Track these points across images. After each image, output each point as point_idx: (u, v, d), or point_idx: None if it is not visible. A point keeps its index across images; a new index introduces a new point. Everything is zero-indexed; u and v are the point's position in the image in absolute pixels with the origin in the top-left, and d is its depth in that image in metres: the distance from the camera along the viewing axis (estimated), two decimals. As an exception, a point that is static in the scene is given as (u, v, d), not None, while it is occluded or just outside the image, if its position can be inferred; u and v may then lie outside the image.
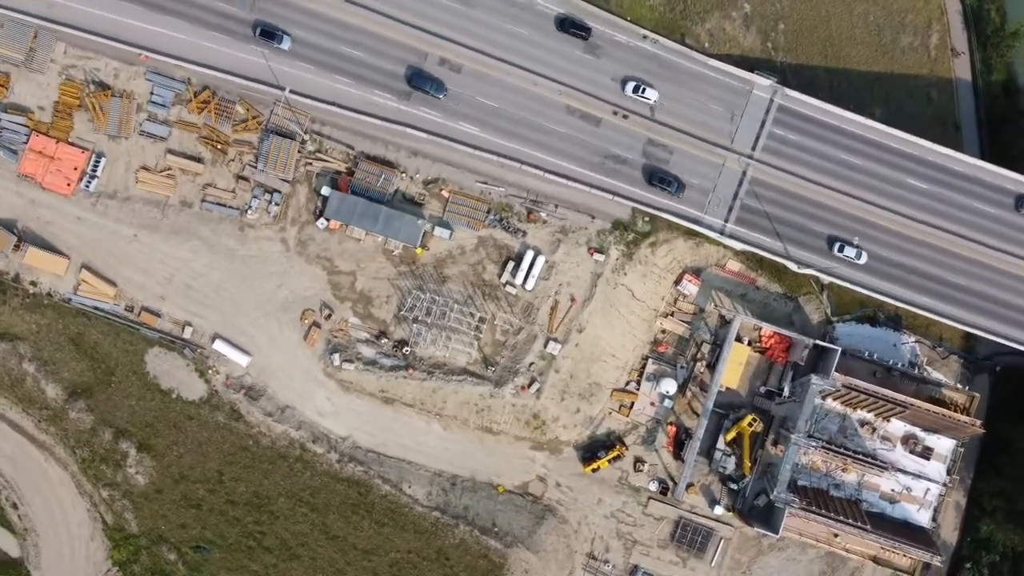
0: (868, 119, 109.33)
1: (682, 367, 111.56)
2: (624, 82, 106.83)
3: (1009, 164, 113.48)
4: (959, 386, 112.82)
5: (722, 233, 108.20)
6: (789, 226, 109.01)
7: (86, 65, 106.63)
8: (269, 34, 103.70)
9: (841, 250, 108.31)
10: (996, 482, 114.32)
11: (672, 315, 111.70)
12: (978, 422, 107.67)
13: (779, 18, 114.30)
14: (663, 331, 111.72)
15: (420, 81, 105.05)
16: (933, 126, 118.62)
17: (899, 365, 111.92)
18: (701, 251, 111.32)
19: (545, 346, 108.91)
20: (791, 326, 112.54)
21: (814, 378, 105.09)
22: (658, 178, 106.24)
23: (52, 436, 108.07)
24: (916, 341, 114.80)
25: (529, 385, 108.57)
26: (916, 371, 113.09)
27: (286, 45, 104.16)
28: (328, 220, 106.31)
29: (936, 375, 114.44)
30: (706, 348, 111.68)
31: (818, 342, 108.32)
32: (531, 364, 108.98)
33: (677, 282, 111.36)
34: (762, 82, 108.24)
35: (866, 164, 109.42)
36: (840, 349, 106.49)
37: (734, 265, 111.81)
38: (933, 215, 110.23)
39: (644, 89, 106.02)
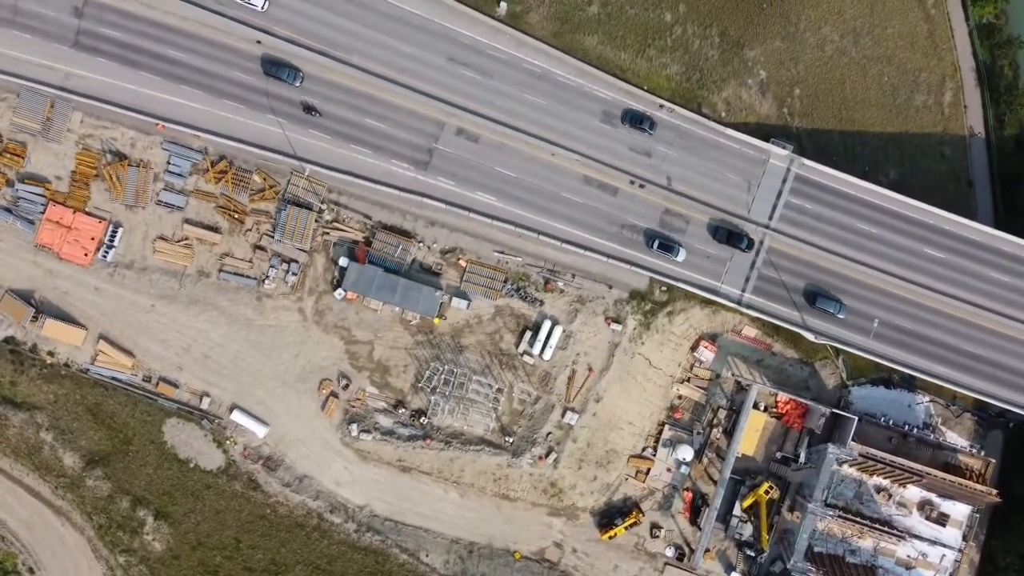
0: (885, 189, 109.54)
1: (698, 433, 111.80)
2: None
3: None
4: (974, 451, 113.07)
5: (739, 303, 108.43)
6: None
7: (103, 134, 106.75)
8: (308, 109, 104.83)
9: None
10: (1010, 539, 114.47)
11: (688, 381, 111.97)
12: (994, 492, 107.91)
13: (795, 83, 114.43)
14: (679, 397, 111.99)
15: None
16: (946, 183, 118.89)
17: (914, 431, 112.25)
18: (718, 318, 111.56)
19: (563, 416, 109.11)
20: (807, 391, 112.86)
21: (831, 447, 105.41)
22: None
23: (69, 502, 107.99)
24: (930, 400, 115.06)
25: (547, 455, 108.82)
26: (931, 432, 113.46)
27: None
28: (345, 291, 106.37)
29: (951, 435, 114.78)
30: (722, 414, 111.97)
31: (835, 411, 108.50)
32: (548, 434, 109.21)
33: (693, 348, 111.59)
34: (779, 152, 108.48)
35: (882, 233, 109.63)
36: (857, 418, 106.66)
37: (750, 331, 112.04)
38: (949, 284, 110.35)
39: None
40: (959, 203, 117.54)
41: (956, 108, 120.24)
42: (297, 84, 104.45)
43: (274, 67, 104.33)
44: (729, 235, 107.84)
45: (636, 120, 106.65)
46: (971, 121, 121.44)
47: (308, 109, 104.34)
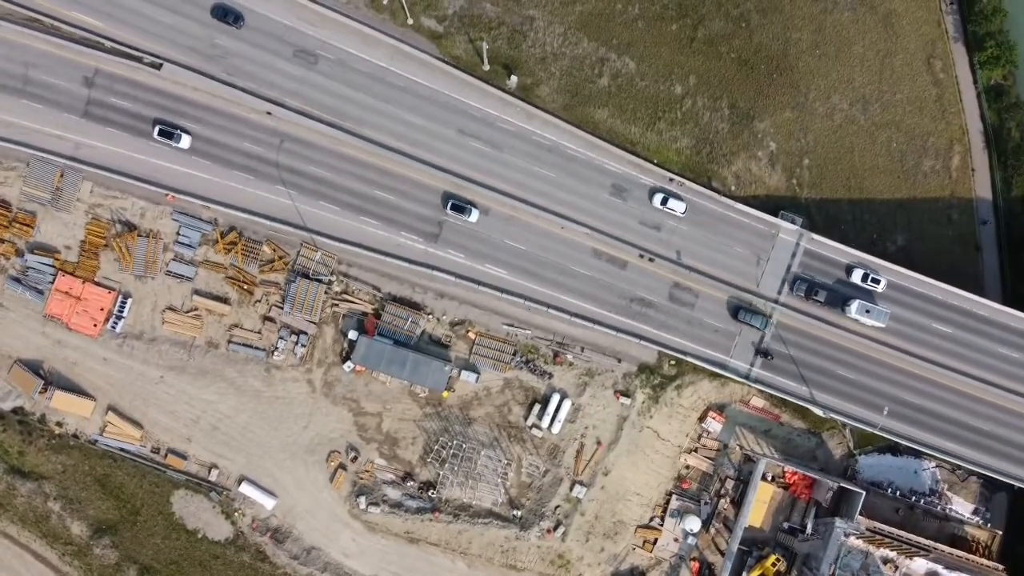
0: (894, 264, 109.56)
1: (706, 503, 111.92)
2: None
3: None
4: (979, 519, 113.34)
5: (748, 378, 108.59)
6: (815, 371, 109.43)
7: (112, 204, 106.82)
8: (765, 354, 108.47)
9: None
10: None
11: (696, 451, 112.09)
12: (1001, 567, 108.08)
13: (804, 154, 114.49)
14: (687, 467, 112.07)
15: None
16: (954, 248, 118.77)
17: (921, 501, 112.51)
18: (726, 389, 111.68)
19: (571, 489, 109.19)
20: (814, 461, 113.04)
21: (838, 522, 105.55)
22: None
23: (76, 569, 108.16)
24: (936, 466, 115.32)
25: (555, 528, 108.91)
26: (937, 499, 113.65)
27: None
28: (354, 364, 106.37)
29: (957, 500, 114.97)
30: (730, 483, 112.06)
31: (843, 484, 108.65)
32: (557, 507, 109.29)
33: (702, 419, 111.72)
34: (788, 226, 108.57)
35: (891, 308, 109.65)
36: (864, 492, 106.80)
37: (758, 402, 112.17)
38: (957, 360, 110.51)
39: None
40: (966, 267, 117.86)
41: (964, 172, 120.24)
42: (766, 330, 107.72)
43: (746, 314, 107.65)
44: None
45: (222, 14, 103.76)
46: (978, 184, 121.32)
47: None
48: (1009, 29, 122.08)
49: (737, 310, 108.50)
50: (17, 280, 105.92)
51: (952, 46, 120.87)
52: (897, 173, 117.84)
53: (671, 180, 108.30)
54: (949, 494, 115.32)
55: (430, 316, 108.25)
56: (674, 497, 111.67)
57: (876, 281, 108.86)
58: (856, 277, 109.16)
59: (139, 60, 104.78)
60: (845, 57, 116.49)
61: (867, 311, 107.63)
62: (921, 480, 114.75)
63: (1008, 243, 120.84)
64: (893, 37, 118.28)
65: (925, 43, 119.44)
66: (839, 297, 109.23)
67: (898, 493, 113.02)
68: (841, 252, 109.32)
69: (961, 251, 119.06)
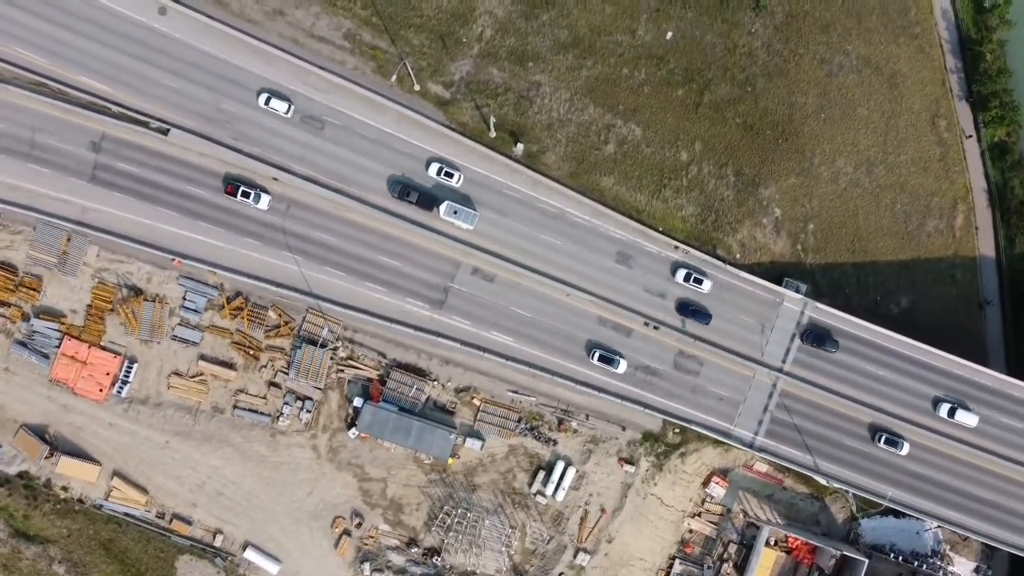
0: (898, 334, 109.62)
1: (709, 567, 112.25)
2: None
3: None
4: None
5: (752, 446, 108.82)
6: (820, 440, 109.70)
7: (119, 269, 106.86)
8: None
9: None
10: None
11: (699, 515, 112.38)
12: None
13: (809, 219, 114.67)
14: (690, 531, 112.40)
15: None
16: (958, 307, 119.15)
17: (923, 567, 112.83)
18: (729, 455, 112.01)
19: (575, 556, 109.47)
20: (817, 525, 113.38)
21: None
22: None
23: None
24: (938, 526, 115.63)
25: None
26: (939, 561, 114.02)
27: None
28: (359, 432, 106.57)
29: (959, 560, 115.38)
30: (732, 548, 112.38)
31: (846, 553, 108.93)
32: (560, 574, 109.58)
33: (705, 483, 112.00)
34: (793, 295, 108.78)
35: (895, 377, 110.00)
36: (867, 561, 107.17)
37: (761, 466, 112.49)
38: (959, 428, 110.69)
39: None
40: (969, 327, 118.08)
41: (967, 230, 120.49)
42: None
43: None
44: None
45: None
46: (982, 243, 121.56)
47: None
48: (1013, 88, 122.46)
49: None
50: (23, 344, 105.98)
51: (956, 105, 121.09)
52: (901, 234, 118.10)
53: (676, 248, 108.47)
54: (951, 554, 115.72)
55: (435, 382, 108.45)
56: (677, 561, 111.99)
57: (450, 176, 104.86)
58: (432, 171, 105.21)
59: (146, 125, 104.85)
60: (850, 120, 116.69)
61: (455, 212, 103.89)
62: (923, 541, 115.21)
63: (1012, 301, 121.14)
64: (898, 98, 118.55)
65: (930, 103, 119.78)
66: (435, 199, 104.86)
67: (900, 557, 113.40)
68: (845, 321, 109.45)
69: (964, 311, 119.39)
